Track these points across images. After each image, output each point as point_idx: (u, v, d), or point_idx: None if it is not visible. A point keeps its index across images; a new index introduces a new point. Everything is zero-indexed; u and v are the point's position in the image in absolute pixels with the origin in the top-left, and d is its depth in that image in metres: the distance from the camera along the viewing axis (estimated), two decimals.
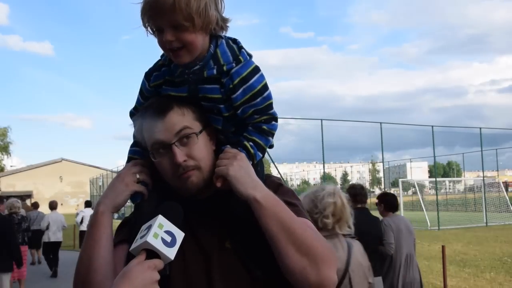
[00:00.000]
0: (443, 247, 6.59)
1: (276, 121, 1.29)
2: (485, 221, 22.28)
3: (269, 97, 1.24)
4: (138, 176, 1.27)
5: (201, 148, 1.22)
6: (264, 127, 1.26)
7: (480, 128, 23.18)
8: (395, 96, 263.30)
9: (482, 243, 14.59)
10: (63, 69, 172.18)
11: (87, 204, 13.88)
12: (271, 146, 1.35)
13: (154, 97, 1.28)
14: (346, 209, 2.77)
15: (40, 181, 52.23)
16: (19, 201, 9.69)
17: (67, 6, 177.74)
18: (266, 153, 1.38)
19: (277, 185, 1.30)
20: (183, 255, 1.17)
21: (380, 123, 19.86)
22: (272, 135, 1.29)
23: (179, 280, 1.19)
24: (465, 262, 11.00)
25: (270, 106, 1.25)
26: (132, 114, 1.35)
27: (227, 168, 1.17)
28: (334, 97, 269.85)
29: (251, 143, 1.25)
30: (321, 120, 17.90)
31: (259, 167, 1.29)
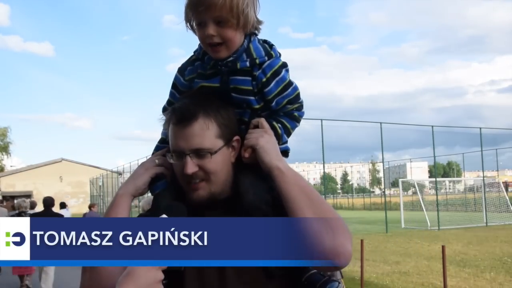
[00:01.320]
0: (443, 247, 6.58)
1: (303, 107, 1.37)
2: (485, 221, 22.28)
3: (297, 87, 1.33)
4: (157, 161, 1.32)
5: (216, 162, 1.23)
6: (296, 113, 1.36)
7: (480, 128, 23.20)
8: (395, 96, 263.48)
9: (482, 243, 14.59)
10: (63, 70, 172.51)
11: (62, 205, 14.12)
12: (287, 154, 1.39)
13: (185, 98, 1.30)
14: None
15: (40, 181, 52.23)
16: (26, 200, 9.86)
17: (68, 7, 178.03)
18: None
19: None
20: None
21: (380, 123, 19.88)
22: (299, 121, 1.39)
23: (193, 275, 1.19)
24: (465, 262, 11.00)
25: (299, 95, 1.34)
26: (165, 109, 1.39)
27: (257, 139, 1.24)
28: (333, 97, 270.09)
29: (279, 125, 1.33)
30: (321, 120, 17.92)
31: None
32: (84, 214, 13.92)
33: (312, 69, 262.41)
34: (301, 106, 1.36)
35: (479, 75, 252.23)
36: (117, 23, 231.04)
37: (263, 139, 1.24)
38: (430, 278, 9.13)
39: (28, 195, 44.83)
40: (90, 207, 14.78)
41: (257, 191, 1.24)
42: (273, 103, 1.29)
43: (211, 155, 1.22)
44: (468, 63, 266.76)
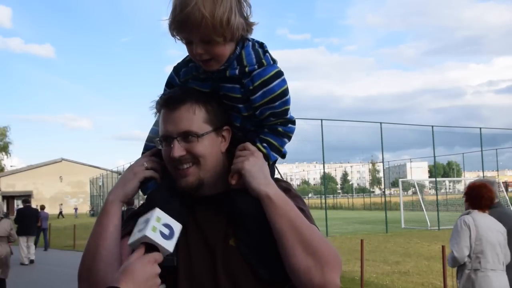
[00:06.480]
0: (443, 247, 6.58)
1: (294, 124, 1.31)
2: None
3: (288, 102, 1.25)
4: (145, 164, 1.29)
5: (204, 145, 1.23)
6: (280, 129, 1.28)
7: (480, 128, 23.22)
8: (393, 96, 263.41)
9: None
10: (63, 71, 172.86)
11: None
12: (283, 156, 1.36)
13: (177, 86, 1.32)
14: None
15: (40, 181, 52.26)
16: (1, 202, 10.40)
17: (68, 9, 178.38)
18: None
19: (285, 190, 1.28)
20: (188, 248, 1.21)
21: (380, 123, 19.90)
22: (289, 137, 1.31)
23: (185, 272, 1.20)
24: None
25: (287, 111, 1.27)
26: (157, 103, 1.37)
27: (242, 163, 1.19)
28: (332, 97, 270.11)
29: (264, 144, 1.27)
30: (321, 120, 17.94)
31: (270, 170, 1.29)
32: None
33: (310, 69, 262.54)
34: (287, 122, 1.29)
35: (477, 76, 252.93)
36: (117, 25, 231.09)
37: (249, 162, 1.19)
38: (430, 278, 9.13)
39: (28, 195, 44.84)
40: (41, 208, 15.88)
41: (247, 195, 1.20)
42: (257, 112, 1.25)
43: (197, 138, 1.21)
44: (466, 64, 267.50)
